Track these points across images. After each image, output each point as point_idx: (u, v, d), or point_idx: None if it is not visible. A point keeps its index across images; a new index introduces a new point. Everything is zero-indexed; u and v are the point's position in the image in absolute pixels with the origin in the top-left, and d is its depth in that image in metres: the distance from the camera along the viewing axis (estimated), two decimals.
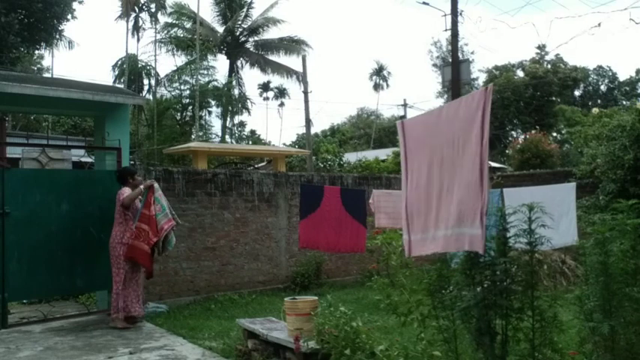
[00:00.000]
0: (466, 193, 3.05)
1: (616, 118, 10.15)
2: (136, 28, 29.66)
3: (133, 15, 29.18)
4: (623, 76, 41.16)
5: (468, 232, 3.04)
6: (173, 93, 27.22)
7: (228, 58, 33.19)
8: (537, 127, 22.76)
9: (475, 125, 3.03)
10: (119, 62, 28.22)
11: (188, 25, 29.99)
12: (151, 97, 27.02)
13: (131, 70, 26.82)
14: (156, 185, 6.68)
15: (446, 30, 14.47)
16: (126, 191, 6.58)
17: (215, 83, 28.21)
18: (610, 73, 40.95)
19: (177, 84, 27.09)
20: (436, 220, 3.27)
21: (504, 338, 3.23)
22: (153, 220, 6.48)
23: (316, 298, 4.97)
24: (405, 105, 40.77)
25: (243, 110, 35.32)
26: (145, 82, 28.59)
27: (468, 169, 3.05)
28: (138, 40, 29.97)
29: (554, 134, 31.47)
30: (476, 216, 2.97)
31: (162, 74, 29.19)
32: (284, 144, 40.74)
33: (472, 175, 3.01)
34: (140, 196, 6.64)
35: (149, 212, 6.50)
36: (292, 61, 44.24)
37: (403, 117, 41.76)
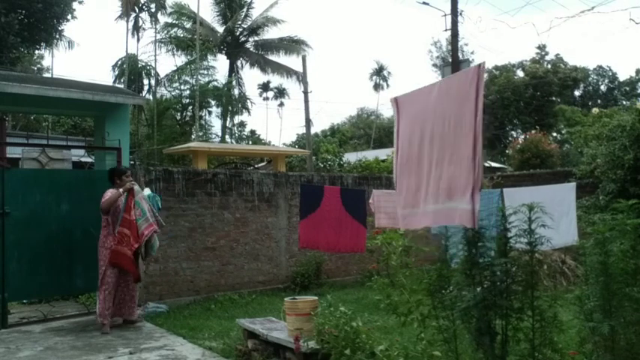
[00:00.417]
0: (458, 168, 3.04)
1: (616, 118, 10.14)
2: (136, 28, 29.65)
3: (133, 15, 29.18)
4: (623, 76, 41.18)
5: (458, 206, 3.03)
6: (173, 93, 27.23)
7: (228, 58, 33.20)
8: (537, 127, 22.74)
9: (468, 102, 3.01)
10: (119, 62, 28.23)
11: (188, 25, 29.99)
12: (150, 97, 27.02)
13: (131, 70, 26.82)
14: (136, 188, 6.37)
15: (446, 30, 14.49)
16: (108, 194, 6.33)
17: (215, 83, 28.22)
18: (610, 73, 40.96)
19: (177, 84, 27.09)
20: (426, 195, 3.28)
21: (504, 338, 3.23)
22: (134, 225, 6.25)
23: (316, 298, 4.97)
24: None
25: (243, 110, 35.34)
26: (145, 82, 28.60)
27: (460, 145, 3.04)
28: (138, 40, 30.00)
29: (554, 134, 31.47)
30: (467, 191, 2.96)
31: (162, 74, 29.22)
32: (284, 144, 40.77)
33: (464, 150, 3.00)
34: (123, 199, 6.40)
35: (130, 217, 6.26)
36: (292, 61, 44.25)
37: None
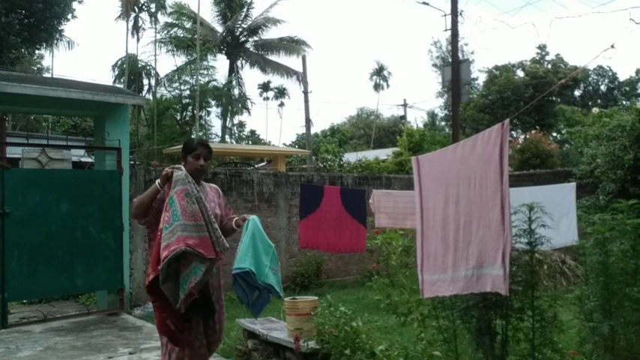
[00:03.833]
0: (487, 232, 2.98)
1: (616, 118, 10.15)
2: (136, 28, 29.61)
3: (133, 15, 29.13)
4: (623, 76, 41.14)
5: (489, 272, 2.97)
6: (173, 93, 27.22)
7: (228, 58, 33.20)
8: (537, 127, 22.72)
9: (493, 162, 2.97)
10: (119, 62, 28.20)
11: (188, 25, 29.97)
12: (150, 97, 27.01)
13: (131, 70, 26.79)
14: (177, 174, 3.26)
15: (446, 30, 14.43)
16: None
17: (215, 83, 28.22)
18: (610, 73, 40.93)
19: (177, 84, 27.09)
20: (455, 260, 3.19)
21: (504, 338, 3.24)
22: (157, 242, 3.21)
23: (316, 298, 4.98)
24: (405, 105, 40.80)
25: (243, 110, 35.35)
26: (145, 82, 28.54)
27: (488, 207, 2.98)
28: (138, 40, 29.91)
29: (554, 134, 31.45)
30: (497, 256, 2.90)
31: (162, 74, 29.20)
32: (284, 144, 40.74)
33: (492, 213, 2.94)
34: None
35: (161, 226, 3.23)
36: (292, 61, 44.21)
37: (403, 117, 41.81)
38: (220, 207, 3.60)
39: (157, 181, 3.42)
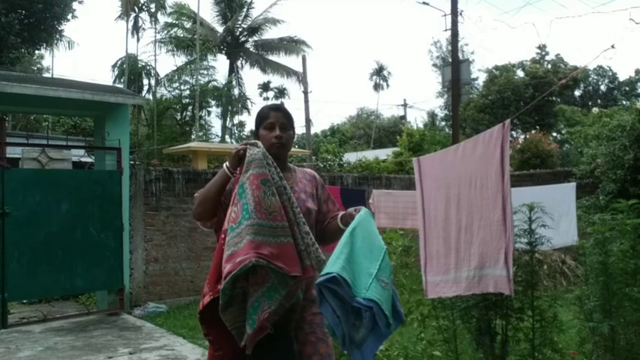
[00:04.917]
0: (488, 232, 2.97)
1: (616, 118, 10.15)
2: (136, 28, 29.63)
3: (133, 15, 29.15)
4: (623, 76, 41.20)
5: (491, 273, 2.96)
6: (173, 93, 27.24)
7: (228, 58, 33.20)
8: (537, 127, 22.76)
9: (494, 163, 2.96)
10: (119, 62, 28.21)
11: (188, 25, 29.98)
12: (150, 97, 27.01)
13: (131, 70, 26.79)
14: (252, 152, 2.21)
15: (446, 30, 14.45)
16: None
17: (215, 83, 28.23)
18: (610, 73, 40.96)
19: (177, 84, 27.11)
20: (457, 261, 3.18)
21: (504, 338, 3.24)
22: (219, 249, 2.17)
23: None
24: (405, 105, 40.83)
25: (243, 110, 35.33)
26: (145, 82, 28.56)
27: (489, 208, 2.97)
28: (138, 40, 29.96)
29: (554, 134, 31.46)
30: (499, 256, 2.89)
31: (162, 74, 29.21)
32: None
33: (494, 214, 2.94)
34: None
35: (226, 226, 2.18)
36: (292, 61, 44.26)
37: (403, 117, 41.83)
38: (314, 199, 2.53)
39: (225, 164, 2.35)
